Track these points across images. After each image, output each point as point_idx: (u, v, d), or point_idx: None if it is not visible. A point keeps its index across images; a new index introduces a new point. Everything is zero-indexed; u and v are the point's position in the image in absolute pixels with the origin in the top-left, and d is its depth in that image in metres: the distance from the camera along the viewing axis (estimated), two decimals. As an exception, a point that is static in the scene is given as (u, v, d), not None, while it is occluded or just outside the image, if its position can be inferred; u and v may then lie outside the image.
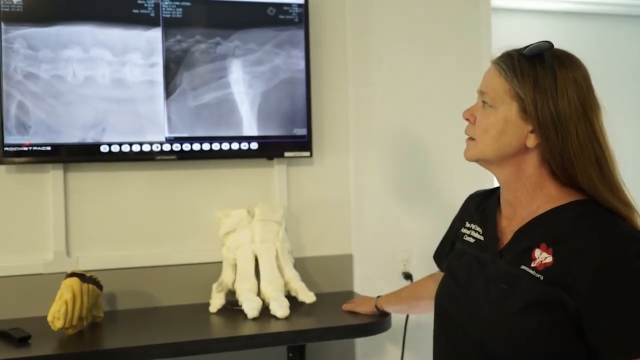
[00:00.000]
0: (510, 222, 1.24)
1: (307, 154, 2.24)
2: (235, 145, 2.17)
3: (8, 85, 1.97)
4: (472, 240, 1.30)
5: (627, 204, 1.16)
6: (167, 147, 2.11)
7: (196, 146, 2.14)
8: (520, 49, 1.19)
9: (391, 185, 2.37)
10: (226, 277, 2.08)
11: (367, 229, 2.35)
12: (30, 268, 2.05)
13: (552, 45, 1.17)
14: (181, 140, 2.12)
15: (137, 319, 2.02)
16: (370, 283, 2.32)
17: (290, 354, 2.13)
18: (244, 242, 2.09)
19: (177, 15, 2.11)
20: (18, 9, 1.97)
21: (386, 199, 2.37)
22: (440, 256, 1.49)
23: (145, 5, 2.08)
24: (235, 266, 2.09)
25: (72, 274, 1.83)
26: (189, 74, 2.12)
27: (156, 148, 2.10)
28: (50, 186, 2.08)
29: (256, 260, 2.08)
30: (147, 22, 2.09)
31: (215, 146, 2.15)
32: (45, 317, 1.78)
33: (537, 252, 1.13)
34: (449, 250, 1.41)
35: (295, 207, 2.30)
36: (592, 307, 1.06)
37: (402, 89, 2.38)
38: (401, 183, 2.38)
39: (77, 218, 2.11)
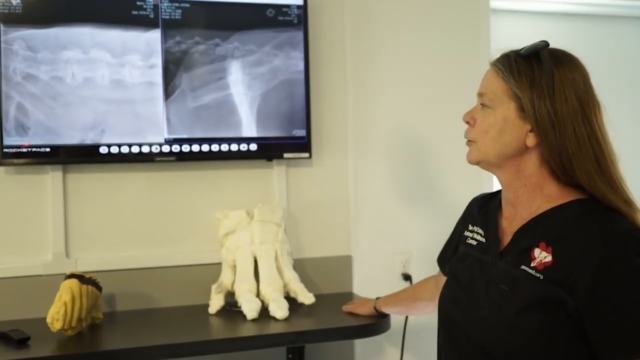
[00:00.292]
0: (511, 222, 1.24)
1: (307, 155, 2.24)
2: (234, 147, 2.17)
3: (7, 87, 1.97)
4: (474, 242, 1.30)
5: (627, 201, 1.16)
6: (166, 149, 2.11)
7: (195, 147, 2.14)
8: (518, 50, 1.20)
9: (390, 186, 2.37)
10: (225, 278, 2.08)
11: (367, 230, 2.35)
12: (30, 269, 2.05)
13: (548, 44, 1.18)
14: (180, 141, 2.12)
15: (137, 320, 2.02)
16: (370, 284, 2.32)
17: (290, 355, 2.13)
18: (243, 243, 2.09)
19: (176, 17, 2.11)
20: (17, 10, 1.97)
21: (385, 200, 2.37)
22: (443, 260, 1.50)
23: (145, 6, 2.09)
24: (234, 267, 2.09)
25: (71, 275, 1.83)
26: (188, 75, 2.13)
27: (155, 149, 2.10)
28: (49, 187, 2.08)
29: (255, 261, 2.08)
30: (146, 23, 2.09)
31: (215, 147, 2.15)
32: (45, 318, 1.77)
33: (537, 252, 1.13)
34: (452, 254, 1.42)
35: (294, 208, 2.30)
36: (593, 307, 1.05)
37: (401, 90, 2.38)
38: (400, 184, 2.38)
39: (76, 219, 2.11)
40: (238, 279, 2.06)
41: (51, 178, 2.07)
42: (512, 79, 1.17)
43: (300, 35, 2.22)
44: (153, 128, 2.10)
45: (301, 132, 2.23)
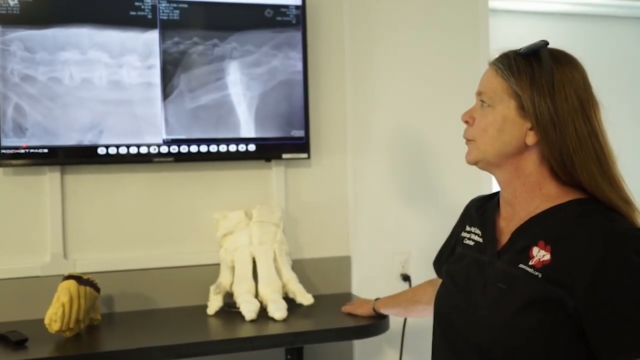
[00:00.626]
0: (509, 222, 1.24)
1: (305, 155, 2.24)
2: (232, 147, 2.17)
3: (5, 88, 1.96)
4: (471, 243, 1.30)
5: (626, 200, 1.15)
6: (164, 149, 2.11)
7: (194, 148, 2.13)
8: (517, 50, 1.20)
9: (389, 186, 2.37)
10: (224, 279, 2.08)
11: (365, 230, 2.35)
12: (28, 271, 2.04)
13: (547, 43, 1.18)
14: (179, 142, 2.12)
15: (135, 321, 2.01)
16: (369, 285, 2.32)
17: (289, 356, 2.13)
18: (242, 244, 2.08)
19: (175, 17, 2.11)
20: (15, 11, 1.97)
21: (384, 200, 2.36)
22: (439, 263, 1.49)
23: (143, 7, 2.08)
24: (233, 268, 2.08)
25: (69, 277, 1.82)
26: (186, 75, 2.12)
27: (153, 150, 2.10)
28: (47, 188, 2.07)
29: (254, 262, 2.08)
30: (144, 24, 2.08)
31: (213, 148, 2.15)
32: (43, 319, 1.77)
33: (535, 250, 1.13)
34: (448, 256, 1.41)
35: (293, 208, 2.30)
36: (592, 306, 1.05)
37: (399, 90, 2.38)
38: (399, 185, 2.38)
39: (75, 220, 2.11)
40: (237, 279, 2.05)
41: (49, 179, 2.07)
42: (512, 77, 1.17)
43: (298, 35, 2.22)
44: (151, 129, 2.09)
45: (300, 133, 2.23)
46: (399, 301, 1.85)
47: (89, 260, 2.11)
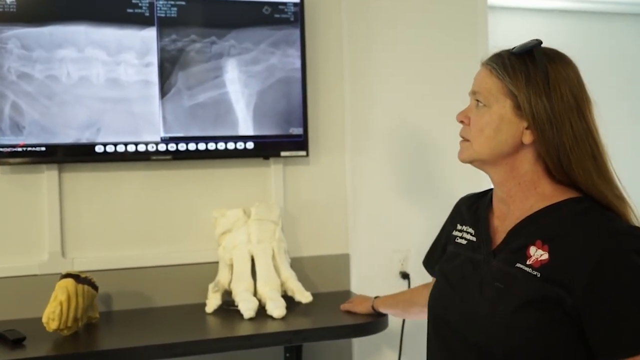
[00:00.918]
0: (504, 221, 1.23)
1: (304, 153, 2.23)
2: (231, 145, 2.16)
3: (2, 86, 1.96)
4: (464, 241, 1.29)
5: (621, 197, 1.16)
6: (162, 147, 2.10)
7: (192, 146, 2.13)
8: (510, 49, 1.20)
9: (388, 184, 2.37)
10: (222, 277, 2.08)
11: (364, 228, 2.35)
12: (25, 269, 2.04)
13: (541, 42, 1.17)
14: (177, 140, 2.12)
15: (133, 319, 2.01)
16: (367, 283, 2.31)
17: (287, 354, 2.12)
18: (240, 242, 2.08)
19: (172, 15, 2.10)
20: (11, 9, 1.96)
21: (383, 198, 2.36)
22: (430, 262, 1.48)
23: (140, 4, 2.07)
24: (231, 266, 2.08)
25: (67, 275, 1.82)
26: (184, 73, 2.12)
27: (151, 148, 2.09)
28: (45, 187, 2.07)
29: (252, 260, 2.07)
30: (141, 21, 2.08)
31: (211, 146, 2.14)
32: (40, 318, 1.77)
33: (532, 250, 1.13)
34: (440, 255, 1.40)
35: (291, 206, 2.30)
36: (590, 305, 1.05)
37: (398, 87, 2.38)
38: (398, 182, 2.38)
39: (72, 219, 2.10)
40: (235, 277, 2.05)
41: (47, 177, 2.06)
42: (507, 76, 1.16)
43: (296, 33, 2.21)
44: (149, 127, 2.09)
45: (298, 130, 2.22)
46: (397, 301, 1.84)
47: (87, 258, 2.10)
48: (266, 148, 2.21)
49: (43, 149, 2.00)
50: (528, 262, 1.12)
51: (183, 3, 2.11)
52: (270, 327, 1.87)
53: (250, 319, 1.92)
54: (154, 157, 2.10)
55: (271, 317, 1.93)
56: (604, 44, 3.10)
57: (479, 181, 2.28)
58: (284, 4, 2.20)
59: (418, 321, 2.17)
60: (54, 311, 1.74)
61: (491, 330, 1.13)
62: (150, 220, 2.17)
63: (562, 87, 1.14)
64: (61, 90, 2.01)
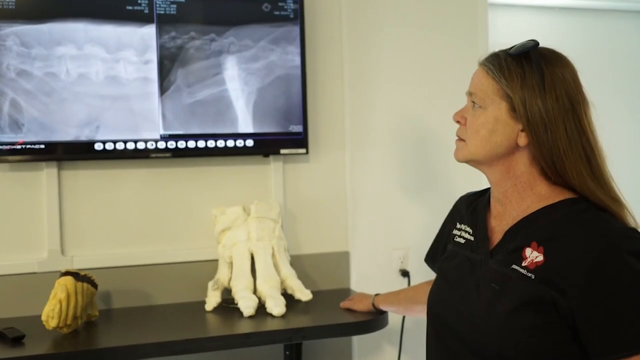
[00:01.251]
0: (501, 221, 1.23)
1: (303, 151, 2.23)
2: (230, 143, 2.16)
3: (1, 83, 1.95)
4: (462, 241, 1.30)
5: (616, 199, 1.16)
6: (162, 145, 2.10)
7: (191, 143, 2.12)
8: (507, 50, 1.19)
9: (388, 182, 2.36)
10: (222, 275, 2.07)
11: (364, 226, 2.34)
12: (25, 267, 2.04)
13: (538, 44, 1.17)
14: (176, 137, 2.11)
15: (133, 317, 2.00)
16: (367, 280, 2.31)
17: (287, 352, 2.12)
18: (240, 240, 2.08)
19: (171, 12, 2.10)
20: (10, 6, 1.96)
21: (383, 196, 2.36)
22: (432, 258, 1.48)
23: (139, 1, 2.07)
24: (231, 264, 2.08)
25: (66, 273, 1.82)
26: (183, 70, 2.11)
27: (151, 146, 2.09)
28: (44, 184, 2.06)
29: (252, 258, 2.07)
30: (141, 18, 2.07)
31: (211, 143, 2.14)
32: (40, 316, 1.77)
33: (528, 251, 1.13)
34: (441, 252, 1.41)
35: (291, 204, 2.29)
36: (585, 306, 1.05)
37: (398, 84, 2.37)
38: (398, 180, 2.37)
39: (72, 216, 2.10)
40: (235, 275, 2.05)
41: (46, 175, 2.06)
42: (503, 78, 1.16)
43: (296, 30, 2.21)
44: (148, 124, 2.08)
45: (298, 128, 2.22)
46: (398, 300, 1.84)
47: (86, 256, 2.10)
48: (266, 146, 2.20)
49: (42, 146, 1.99)
50: (523, 264, 1.12)
51: (182, 0, 2.10)
52: (270, 325, 1.86)
53: (250, 317, 1.92)
54: (154, 155, 2.10)
55: (271, 315, 1.92)
56: (603, 42, 3.09)
57: (479, 179, 2.27)
58: (284, 0, 2.19)
59: (418, 319, 2.18)
60: (53, 309, 1.73)
61: (487, 330, 1.13)
62: (150, 218, 2.17)
63: (558, 90, 1.14)
64: (60, 87, 2.00)
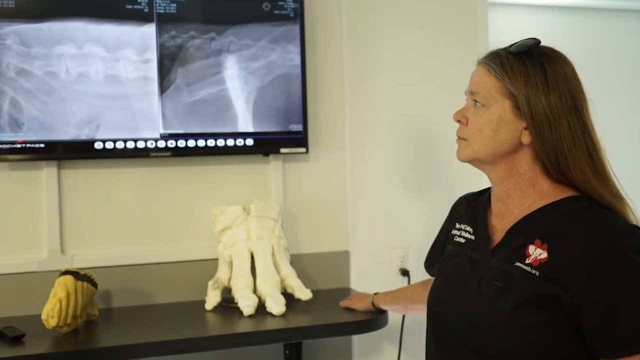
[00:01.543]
0: (502, 220, 1.23)
1: (303, 150, 2.23)
2: (230, 142, 2.16)
3: (0, 82, 1.95)
4: (463, 240, 1.29)
5: (618, 196, 1.16)
6: (161, 144, 2.10)
7: (191, 142, 2.12)
8: (507, 47, 1.19)
9: (388, 181, 2.36)
10: (222, 274, 2.07)
11: (364, 225, 2.34)
12: (24, 266, 2.03)
13: (539, 42, 1.17)
14: (176, 136, 2.11)
15: (132, 316, 2.00)
16: (367, 280, 2.31)
17: (287, 351, 2.12)
18: (240, 239, 2.07)
19: (171, 11, 2.10)
20: (10, 5, 1.95)
21: (383, 195, 2.36)
22: (430, 262, 1.48)
23: (139, 0, 2.07)
24: (231, 263, 2.08)
25: (66, 272, 1.82)
26: (183, 70, 2.11)
27: (151, 145, 2.09)
28: (44, 183, 2.06)
29: (252, 257, 2.07)
30: (140, 17, 2.07)
31: (211, 142, 2.14)
32: (40, 315, 1.77)
33: (532, 249, 1.13)
34: (439, 255, 1.40)
35: (291, 203, 2.29)
36: (589, 303, 1.05)
37: (398, 83, 2.37)
38: (398, 179, 2.37)
39: (72, 216, 2.10)
40: (235, 274, 2.05)
41: (46, 174, 2.06)
42: (506, 76, 1.16)
43: (296, 29, 2.21)
44: (148, 123, 2.08)
45: (298, 127, 2.22)
46: (397, 299, 1.84)
47: (86, 255, 2.10)
48: (266, 145, 2.20)
49: (42, 145, 1.99)
50: (527, 261, 1.12)
51: (182, -1, 2.11)
52: (270, 324, 1.86)
53: (250, 316, 1.92)
54: (153, 154, 2.10)
55: (271, 314, 1.92)
56: (603, 41, 3.09)
57: (479, 178, 2.27)
58: (284, 0, 2.19)
59: (418, 318, 2.18)
60: (53, 308, 1.73)
61: (489, 328, 1.13)
62: (150, 217, 2.17)
63: (561, 87, 1.14)
64: (60, 86, 2.00)
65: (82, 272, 1.84)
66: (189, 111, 2.12)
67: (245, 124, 2.17)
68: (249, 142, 2.17)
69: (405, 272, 2.35)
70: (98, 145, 2.04)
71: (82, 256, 2.09)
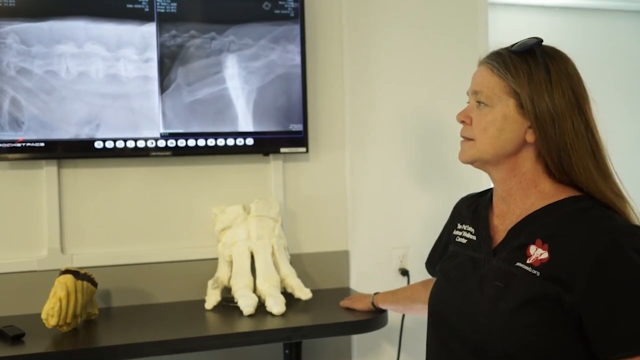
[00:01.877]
0: (503, 220, 1.23)
1: (303, 149, 2.23)
2: (230, 141, 2.16)
3: (1, 81, 1.95)
4: (464, 240, 1.29)
5: (620, 195, 1.16)
6: (162, 143, 2.10)
7: (191, 142, 2.12)
8: (509, 47, 1.19)
9: (388, 181, 2.36)
10: (222, 273, 2.07)
11: (364, 225, 2.34)
12: (24, 265, 2.03)
13: (542, 40, 1.17)
14: (176, 136, 2.11)
15: (132, 316, 2.00)
16: (367, 279, 2.31)
17: (287, 351, 2.12)
18: (240, 239, 2.08)
19: (172, 10, 2.09)
20: (11, 4, 1.95)
21: (383, 195, 2.36)
22: (432, 263, 1.48)
23: (140, 0, 2.07)
24: (231, 263, 2.08)
25: (66, 271, 1.82)
26: (183, 69, 2.11)
27: (151, 144, 2.09)
28: (44, 183, 2.06)
29: (252, 256, 2.07)
30: (141, 17, 2.07)
31: (211, 142, 2.14)
32: (40, 314, 1.77)
33: (533, 249, 1.13)
34: (440, 256, 1.40)
35: (291, 203, 2.29)
36: (589, 304, 1.05)
37: (398, 83, 2.37)
38: (398, 179, 2.37)
39: (72, 215, 2.10)
40: (234, 274, 2.05)
41: (46, 173, 2.06)
42: (510, 75, 1.16)
43: (297, 28, 2.21)
44: (148, 122, 2.08)
45: (298, 127, 2.22)
46: (397, 298, 1.84)
47: (86, 254, 2.10)
48: (266, 144, 2.20)
49: (42, 144, 1.99)
50: (528, 261, 1.12)
51: (183, -2, 2.10)
52: (270, 324, 1.87)
53: (250, 316, 1.92)
54: (154, 153, 2.10)
55: (271, 313, 1.92)
56: (603, 41, 3.09)
57: (479, 178, 2.28)
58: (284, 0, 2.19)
59: (418, 318, 2.18)
60: (53, 307, 1.73)
61: (490, 329, 1.13)
62: (150, 217, 2.17)
63: (564, 85, 1.14)
64: (60, 85, 2.00)
65: (82, 272, 1.84)
66: (189, 110, 2.12)
67: (246, 123, 2.17)
68: (249, 141, 2.18)
69: (404, 272, 2.35)
70: (98, 145, 2.04)
71: (82, 255, 2.09)
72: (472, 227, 1.29)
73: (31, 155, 1.99)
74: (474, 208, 1.32)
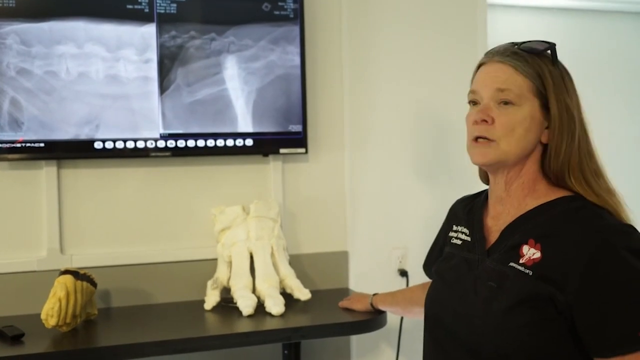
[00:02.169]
0: (498, 221, 1.24)
1: (303, 150, 2.23)
2: (230, 142, 2.16)
3: (1, 82, 1.95)
4: (459, 242, 1.30)
5: (611, 192, 1.17)
6: (161, 144, 2.10)
7: (191, 143, 2.13)
8: (523, 48, 1.19)
9: (387, 181, 2.37)
10: (221, 274, 2.08)
11: (363, 225, 2.34)
12: (24, 265, 2.03)
13: (555, 44, 1.19)
14: (176, 136, 2.11)
15: (132, 316, 2.01)
16: (366, 280, 2.31)
17: (286, 351, 2.12)
18: (239, 239, 2.08)
19: (172, 11, 2.10)
20: (11, 4, 1.96)
21: (382, 195, 2.36)
22: (429, 265, 1.49)
23: (140, 0, 2.07)
24: (230, 263, 2.08)
25: (66, 271, 1.82)
26: (183, 70, 2.11)
27: (150, 144, 2.09)
28: (43, 183, 2.06)
29: (251, 257, 2.07)
30: (141, 17, 2.07)
31: (210, 142, 2.14)
32: (39, 314, 1.77)
33: (525, 248, 1.13)
34: (436, 257, 1.41)
35: (290, 203, 2.29)
36: (582, 303, 1.05)
37: (397, 84, 2.37)
38: (397, 180, 2.38)
39: (71, 215, 2.10)
40: (234, 274, 2.05)
41: (45, 173, 2.06)
42: (537, 76, 1.17)
43: (296, 29, 2.21)
44: (148, 123, 2.08)
45: (297, 128, 2.22)
46: (396, 300, 1.84)
47: (86, 255, 2.10)
48: (265, 145, 2.21)
49: (42, 145, 1.99)
50: (521, 261, 1.13)
51: (183, -1, 2.11)
52: (269, 324, 1.87)
53: (249, 316, 1.92)
54: (153, 154, 2.10)
55: (270, 314, 1.93)
56: (602, 42, 3.10)
57: (477, 179, 2.28)
58: (284, 0, 2.19)
59: (417, 319, 2.17)
60: (52, 307, 1.74)
61: (484, 329, 1.13)
62: (149, 217, 2.17)
63: (572, 85, 1.19)
64: (60, 86, 2.00)
65: (82, 272, 1.84)
66: (188, 111, 2.12)
67: (245, 124, 2.17)
68: (249, 142, 2.18)
69: (404, 273, 2.35)
70: (98, 145, 2.04)
71: (81, 256, 2.09)
72: (467, 229, 1.29)
73: (31, 155, 1.99)
74: (469, 209, 1.33)
